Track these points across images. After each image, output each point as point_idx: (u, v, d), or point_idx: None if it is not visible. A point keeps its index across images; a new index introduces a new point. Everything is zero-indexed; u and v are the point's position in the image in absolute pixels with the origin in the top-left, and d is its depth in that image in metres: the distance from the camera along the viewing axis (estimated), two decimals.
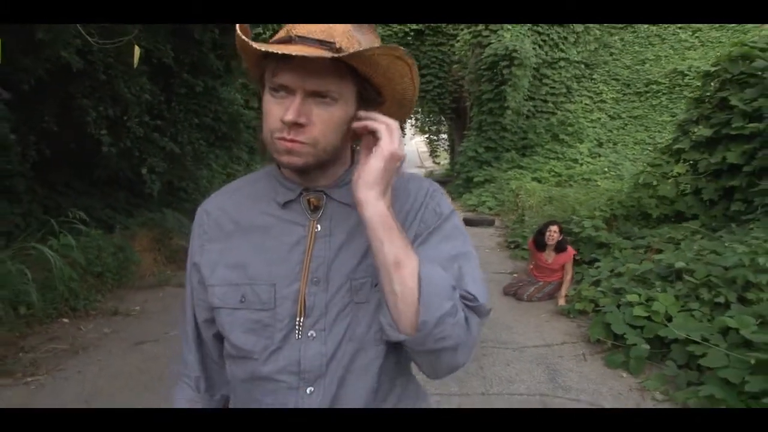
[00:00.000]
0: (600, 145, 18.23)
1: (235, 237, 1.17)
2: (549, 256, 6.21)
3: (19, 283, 5.10)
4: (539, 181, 15.36)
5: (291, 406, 1.11)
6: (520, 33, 17.77)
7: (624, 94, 19.87)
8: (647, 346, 4.25)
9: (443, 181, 22.02)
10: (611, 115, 19.37)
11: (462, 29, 18.91)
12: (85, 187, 8.00)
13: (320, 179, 1.14)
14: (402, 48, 1.02)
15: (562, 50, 19.00)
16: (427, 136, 32.74)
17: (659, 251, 5.82)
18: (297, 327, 1.10)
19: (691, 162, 7.00)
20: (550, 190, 12.86)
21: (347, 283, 1.12)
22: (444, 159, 32.17)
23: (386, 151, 1.01)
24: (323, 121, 1.03)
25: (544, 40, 18.64)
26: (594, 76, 19.98)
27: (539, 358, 4.58)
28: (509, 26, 17.48)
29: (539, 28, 18.33)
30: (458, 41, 19.07)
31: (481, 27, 17.80)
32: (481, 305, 1.05)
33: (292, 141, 1.03)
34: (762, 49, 6.48)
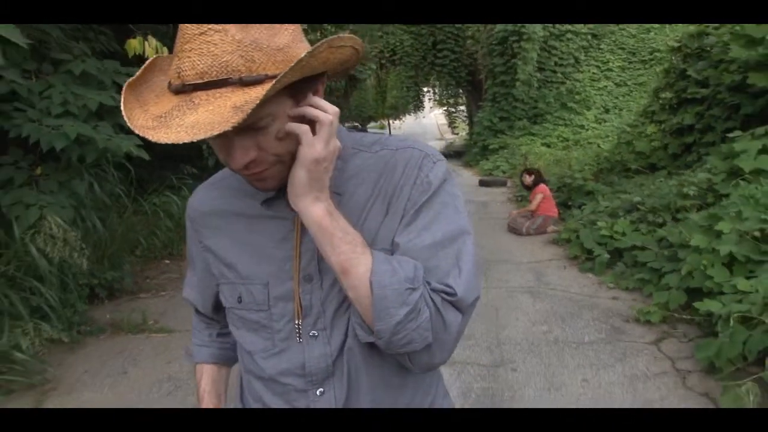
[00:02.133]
0: (606, 111, 19.54)
1: (224, 234, 1.14)
2: (533, 197, 8.17)
3: (137, 231, 6.89)
4: (548, 146, 16.88)
5: (301, 407, 1.08)
6: None
7: (630, 62, 20.96)
8: (608, 256, 5.95)
9: (461, 151, 23.60)
10: (617, 82, 20.54)
11: None
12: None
13: None
14: (336, 37, 0.92)
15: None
16: (445, 108, 34.06)
17: (628, 193, 7.47)
18: (297, 328, 1.06)
19: (660, 122, 8.58)
20: (557, 154, 14.44)
21: None
22: (463, 130, 33.55)
23: (306, 158, 0.93)
24: (271, 144, 0.94)
25: None
26: (601, 46, 21.08)
27: (531, 268, 6.30)
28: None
29: None
30: None
31: None
32: (460, 299, 0.97)
33: (254, 174, 0.97)
34: (715, 27, 8.00)
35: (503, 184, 13.71)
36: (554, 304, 5.12)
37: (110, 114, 4.25)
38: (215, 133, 0.80)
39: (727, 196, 5.17)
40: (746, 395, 3.03)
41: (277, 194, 1.06)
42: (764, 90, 6.10)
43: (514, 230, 8.05)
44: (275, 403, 1.11)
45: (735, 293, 3.82)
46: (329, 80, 1.06)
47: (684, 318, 4.34)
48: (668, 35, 20.58)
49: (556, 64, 19.89)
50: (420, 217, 1.01)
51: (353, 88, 23.89)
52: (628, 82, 20.44)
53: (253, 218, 1.10)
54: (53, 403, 3.60)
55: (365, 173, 1.07)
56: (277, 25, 0.90)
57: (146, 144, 3.95)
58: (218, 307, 1.27)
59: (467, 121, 29.40)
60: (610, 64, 20.81)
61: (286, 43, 0.91)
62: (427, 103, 34.78)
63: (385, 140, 1.12)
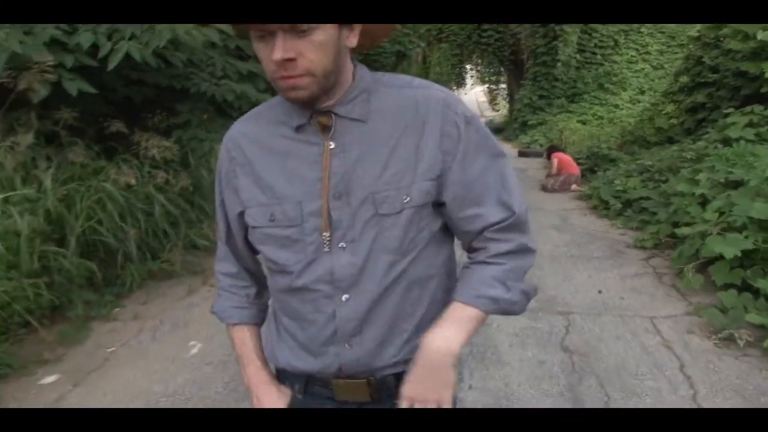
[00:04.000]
0: (642, 93, 20.55)
1: (260, 160, 1.24)
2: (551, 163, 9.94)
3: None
4: (584, 123, 18.14)
5: (329, 312, 1.21)
6: None
7: (668, 46, 21.72)
8: (620, 205, 7.46)
9: (501, 127, 24.91)
10: (654, 65, 21.41)
11: None
12: None
13: (327, 100, 1.16)
14: None
15: None
16: (487, 86, 35.21)
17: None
18: (325, 240, 1.17)
19: (678, 102, 9.94)
20: (591, 130, 15.78)
21: (369, 197, 1.16)
22: (504, 107, 34.70)
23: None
24: (310, 50, 1.05)
25: None
26: (641, 30, 21.92)
27: (558, 214, 7.87)
28: None
29: None
30: None
31: None
32: (518, 214, 1.20)
33: (290, 77, 1.07)
34: None
35: (540, 155, 15.11)
36: (574, 236, 6.67)
37: (253, 78, 5.88)
38: None
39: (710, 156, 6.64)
40: (692, 279, 4.57)
41: (308, 121, 1.17)
42: (756, 76, 7.48)
43: (544, 188, 9.66)
44: (305, 310, 1.23)
45: (704, 222, 5.30)
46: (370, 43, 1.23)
47: (668, 242, 5.85)
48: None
49: (596, 46, 20.85)
50: (461, 151, 1.16)
51: (400, 64, 25.28)
52: (665, 65, 21.26)
53: (287, 144, 1.20)
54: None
55: (390, 108, 1.17)
56: None
57: None
58: (252, 250, 1.36)
59: (507, 99, 30.58)
60: (649, 47, 21.62)
61: None
62: (469, 80, 35.92)
63: (409, 80, 1.23)
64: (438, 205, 1.21)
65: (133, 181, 4.42)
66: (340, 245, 1.17)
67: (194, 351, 4.07)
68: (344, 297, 1.20)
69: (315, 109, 1.17)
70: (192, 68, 5.47)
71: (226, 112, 6.06)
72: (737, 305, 4.09)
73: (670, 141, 10.01)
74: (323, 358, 1.25)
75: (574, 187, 9.54)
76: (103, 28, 4.39)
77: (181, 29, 4.35)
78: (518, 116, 20.75)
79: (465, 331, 1.16)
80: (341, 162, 1.16)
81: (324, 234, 1.17)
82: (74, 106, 4.62)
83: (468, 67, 31.97)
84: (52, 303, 4.28)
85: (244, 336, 1.41)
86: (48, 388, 3.58)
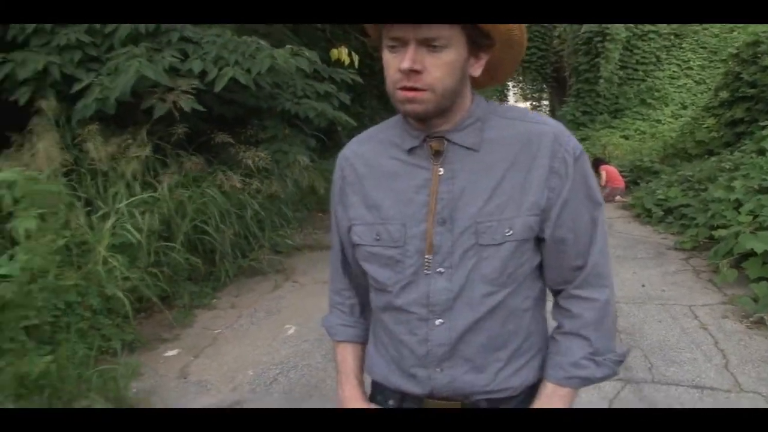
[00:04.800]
0: (684, 108, 20.69)
1: (370, 180, 1.29)
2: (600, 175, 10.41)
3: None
4: (626, 138, 18.51)
5: (422, 335, 1.24)
6: None
7: (710, 61, 21.71)
8: (662, 212, 7.98)
9: None
10: (697, 80, 21.47)
11: None
12: None
13: (441, 124, 1.20)
14: None
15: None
16: (530, 102, 35.65)
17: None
18: (425, 263, 1.20)
19: (718, 116, 10.41)
20: (633, 145, 16.21)
21: (472, 225, 1.18)
22: None
23: None
24: (437, 67, 1.09)
25: None
26: (683, 45, 21.94)
27: None
28: None
29: None
30: None
31: None
32: (595, 267, 1.25)
33: (411, 89, 1.11)
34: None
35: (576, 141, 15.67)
36: (619, 241, 7.22)
37: (329, 96, 6.62)
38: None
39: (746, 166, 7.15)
40: (727, 273, 5.11)
41: (420, 144, 1.22)
42: None
43: None
44: (399, 331, 1.27)
45: (738, 224, 5.81)
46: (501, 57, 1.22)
47: (706, 244, 6.36)
48: (751, 35, 21.75)
49: (637, 62, 21.03)
50: (566, 190, 1.18)
51: None
52: (707, 80, 21.33)
53: (397, 166, 1.25)
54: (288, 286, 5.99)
55: (502, 139, 1.21)
56: None
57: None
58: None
59: (550, 116, 30.97)
60: (691, 62, 21.66)
61: None
62: (511, 97, 36.40)
63: (523, 113, 1.27)
64: (539, 240, 1.23)
65: (239, 185, 5.15)
66: (438, 270, 1.20)
67: (291, 332, 4.76)
68: (438, 321, 1.22)
69: (428, 134, 1.20)
70: (277, 89, 6.23)
71: (302, 127, 6.83)
72: None
73: (710, 153, 10.45)
74: (416, 379, 1.28)
75: (618, 198, 10.05)
76: (211, 56, 5.17)
77: (281, 58, 5.10)
78: None
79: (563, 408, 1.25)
80: (448, 188, 1.19)
81: (426, 257, 1.20)
82: (182, 123, 5.41)
83: (510, 84, 32.45)
84: (165, 292, 5.03)
85: (346, 354, 1.46)
86: (173, 360, 4.31)
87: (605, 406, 3.30)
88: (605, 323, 1.26)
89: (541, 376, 1.29)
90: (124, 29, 5.28)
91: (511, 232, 1.17)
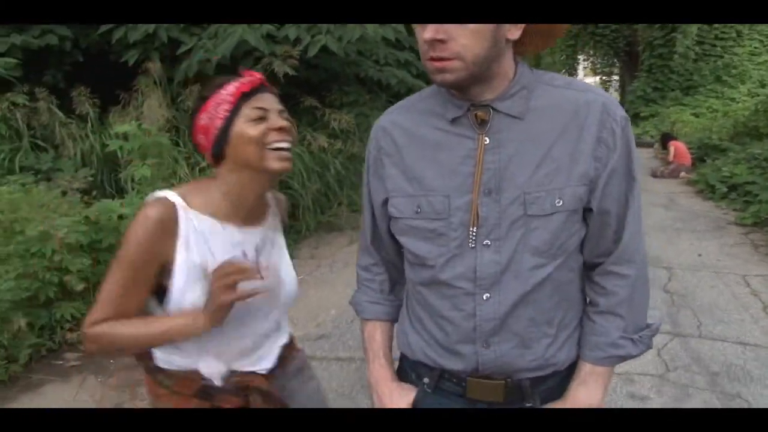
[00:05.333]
0: (762, 86, 20.00)
1: (410, 151, 1.25)
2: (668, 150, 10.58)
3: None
4: (697, 116, 18.19)
5: (468, 310, 1.21)
6: None
7: None
8: (726, 189, 8.13)
9: None
10: None
11: None
12: None
13: (485, 93, 1.16)
14: None
15: None
16: (600, 77, 35.08)
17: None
18: (471, 236, 1.17)
19: None
20: (704, 123, 16.00)
21: (520, 196, 1.15)
22: (616, 99, 34.36)
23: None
24: (462, 35, 1.06)
25: None
26: None
27: (666, 196, 8.66)
28: None
29: None
30: None
31: None
32: (629, 244, 1.23)
33: (439, 60, 1.08)
34: None
35: (650, 145, 15.55)
36: (680, 213, 7.47)
37: (408, 65, 7.03)
38: None
39: None
40: None
41: (464, 114, 1.18)
42: None
43: (653, 174, 10.38)
44: (442, 306, 1.24)
45: None
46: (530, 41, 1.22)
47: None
48: None
49: (716, 37, 20.35)
50: (612, 161, 1.17)
51: None
52: None
53: (440, 136, 1.21)
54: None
55: (549, 108, 1.18)
56: None
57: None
58: (396, 240, 1.34)
59: (620, 91, 30.47)
60: None
61: None
62: (581, 71, 35.85)
63: (569, 81, 1.23)
64: (586, 211, 1.21)
65: (325, 146, 5.65)
66: (484, 242, 1.17)
67: None
68: (485, 296, 1.19)
69: (473, 102, 1.17)
70: (360, 57, 6.68)
71: (378, 93, 7.28)
72: None
73: None
74: (459, 355, 1.25)
75: (683, 174, 10.15)
76: (305, 24, 5.66)
77: (369, 27, 5.54)
78: (630, 108, 20.87)
79: (603, 386, 1.26)
80: (495, 158, 1.16)
81: (471, 229, 1.17)
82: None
83: (581, 57, 32.01)
84: None
85: (374, 332, 1.44)
86: None
87: (654, 355, 3.67)
88: (636, 299, 1.26)
89: (578, 353, 1.29)
90: None
91: (561, 202, 1.15)
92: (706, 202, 8.21)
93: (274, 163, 1.33)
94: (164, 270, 1.33)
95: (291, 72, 5.43)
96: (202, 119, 1.34)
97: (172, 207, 1.31)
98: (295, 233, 6.32)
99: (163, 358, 1.43)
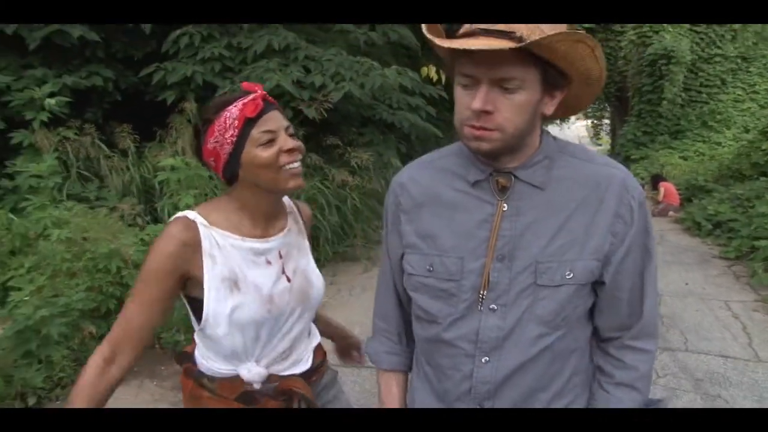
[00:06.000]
0: (746, 131, 20.51)
1: (427, 209, 1.26)
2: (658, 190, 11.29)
3: None
4: (685, 159, 18.94)
5: (466, 372, 1.22)
6: (679, 34, 20.95)
7: None
8: (711, 226, 8.75)
9: None
10: (762, 104, 21.28)
11: (628, 29, 22.42)
12: None
13: (509, 161, 1.18)
14: (582, 32, 1.02)
15: (719, 47, 21.55)
16: (591, 120, 36.04)
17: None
18: (480, 299, 1.18)
19: None
20: (692, 165, 16.74)
21: (532, 265, 1.16)
22: (606, 142, 35.36)
23: None
24: (508, 108, 1.08)
25: (701, 38, 21.36)
26: (750, 69, 21.79)
27: (655, 233, 9.13)
28: (670, 28, 20.82)
29: (698, 28, 21.02)
30: (624, 40, 22.61)
31: (645, 28, 21.21)
32: (647, 320, 1.26)
33: (480, 128, 1.10)
34: None
35: (641, 186, 16.28)
36: (669, 248, 8.04)
37: (418, 109, 7.65)
38: (494, 47, 1.00)
39: None
40: (763, 276, 5.91)
41: (486, 178, 1.20)
42: None
43: None
44: (444, 364, 1.26)
45: None
46: (576, 94, 1.20)
47: (748, 254, 7.14)
48: None
49: (701, 85, 21.14)
50: (630, 237, 1.18)
51: None
52: None
53: (458, 197, 1.23)
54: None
55: (569, 179, 1.20)
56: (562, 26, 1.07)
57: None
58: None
59: (610, 134, 31.30)
60: (757, 86, 21.58)
61: (560, 28, 1.05)
62: (572, 116, 36.79)
63: (591, 155, 1.26)
64: (596, 284, 1.22)
65: (350, 180, 6.22)
66: (491, 306, 1.18)
67: None
68: (484, 359, 1.19)
69: (496, 168, 1.19)
70: (375, 101, 7.30)
71: (389, 134, 7.90)
72: None
73: (764, 175, 11.05)
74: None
75: (671, 213, 10.79)
76: (330, 72, 6.28)
77: (391, 76, 6.17)
78: (621, 151, 21.61)
79: None
80: (511, 225, 1.17)
81: (481, 293, 1.18)
82: (300, 126, 6.53)
83: None
84: None
85: (390, 383, 1.45)
86: None
87: None
88: (651, 374, 1.28)
89: None
90: (259, 46, 6.43)
91: (571, 274, 1.16)
92: (693, 238, 8.82)
93: (289, 183, 1.37)
94: (193, 284, 1.39)
95: (317, 117, 6.03)
96: (210, 143, 1.36)
97: (193, 225, 1.36)
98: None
99: (206, 365, 1.48)
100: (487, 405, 1.23)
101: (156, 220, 5.81)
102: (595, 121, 35.51)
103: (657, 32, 20.86)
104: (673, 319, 5.16)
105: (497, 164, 1.19)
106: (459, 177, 1.24)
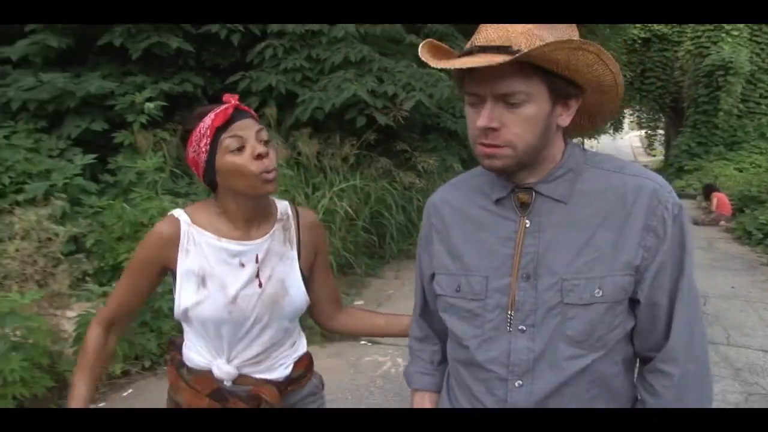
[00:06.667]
0: None
1: (456, 229, 1.26)
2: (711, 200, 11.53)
3: None
4: (740, 171, 18.82)
5: (500, 396, 1.17)
6: (738, 44, 20.82)
7: None
8: (761, 235, 9.03)
9: (657, 170, 25.62)
10: None
11: (685, 39, 22.40)
12: None
13: (528, 176, 1.16)
14: (577, 39, 1.01)
15: None
16: (645, 131, 35.75)
17: None
18: (508, 319, 1.15)
19: None
20: (747, 177, 16.73)
21: (557, 283, 1.12)
22: (660, 153, 35.09)
23: None
24: (516, 123, 1.06)
25: (762, 49, 21.24)
26: None
27: (706, 240, 9.59)
28: (729, 38, 20.76)
29: (758, 38, 20.99)
30: (681, 50, 22.60)
31: (703, 38, 21.22)
32: (678, 344, 1.15)
33: (490, 146, 1.09)
34: None
35: (693, 197, 16.33)
36: (717, 255, 8.40)
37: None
38: (482, 64, 0.98)
39: None
40: None
41: (507, 195, 1.19)
42: None
43: (695, 222, 11.30)
44: (477, 388, 1.21)
45: None
46: (591, 103, 1.17)
47: None
48: None
49: (760, 96, 21.08)
50: (662, 253, 1.12)
51: None
52: None
53: (483, 216, 1.22)
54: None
55: (595, 192, 1.16)
56: (563, 26, 1.08)
57: None
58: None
59: (664, 144, 31.09)
60: None
61: (564, 36, 1.04)
62: (626, 125, 36.60)
63: (621, 165, 1.20)
64: (633, 302, 1.16)
65: (416, 182, 6.78)
66: (520, 327, 1.15)
67: None
68: (518, 383, 1.15)
69: (516, 184, 1.17)
70: (440, 110, 7.85)
71: (451, 141, 8.45)
72: None
73: None
74: None
75: (722, 223, 11.06)
76: (402, 83, 6.86)
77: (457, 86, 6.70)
78: (674, 162, 21.55)
79: None
80: (534, 242, 1.15)
81: (509, 313, 1.15)
82: (372, 132, 7.14)
83: (627, 112, 32.81)
84: (348, 261, 6.67)
85: (422, 403, 1.44)
86: (363, 307, 5.92)
87: None
88: (689, 397, 1.16)
89: None
90: (337, 58, 7.06)
91: (600, 292, 1.11)
92: (742, 246, 9.13)
93: (260, 189, 1.41)
94: (174, 276, 1.49)
95: (393, 124, 6.61)
96: (190, 153, 1.44)
97: (177, 222, 1.47)
98: (379, 258, 7.40)
99: (186, 354, 1.54)
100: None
101: None
102: (649, 132, 35.19)
103: (715, 43, 20.82)
104: (717, 318, 5.56)
105: (517, 180, 1.18)
106: (484, 195, 1.24)
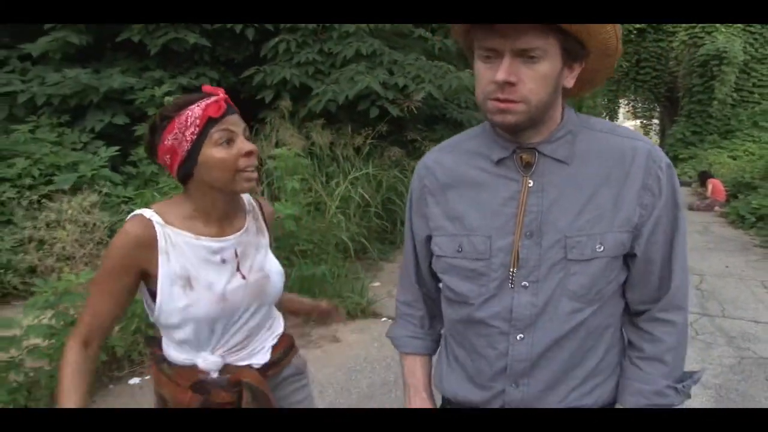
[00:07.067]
0: None
1: (453, 190, 1.26)
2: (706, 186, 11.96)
3: None
4: (734, 159, 19.13)
5: (502, 350, 1.21)
6: (732, 34, 21.04)
7: None
8: (754, 219, 9.39)
9: None
10: None
11: (680, 29, 22.67)
12: None
13: (533, 136, 1.18)
14: None
15: None
16: (640, 120, 36.06)
17: None
18: (510, 277, 1.18)
19: None
20: (740, 165, 17.09)
21: (561, 240, 1.16)
22: (655, 142, 35.40)
23: None
24: (532, 79, 1.08)
25: (756, 39, 21.48)
26: None
27: (702, 224, 9.95)
28: (723, 28, 21.04)
29: (752, 28, 21.18)
30: (676, 41, 22.88)
31: (697, 29, 21.44)
32: (677, 290, 1.23)
33: (504, 101, 1.09)
34: None
35: (688, 184, 16.71)
36: (712, 238, 8.76)
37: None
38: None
39: None
40: None
41: (509, 155, 1.20)
42: None
43: (690, 207, 11.70)
44: (478, 342, 1.25)
45: None
46: (594, 68, 1.19)
47: None
48: None
49: (754, 85, 21.38)
50: (658, 208, 1.18)
51: None
52: None
53: (483, 177, 1.23)
54: None
55: (594, 153, 1.19)
56: None
57: None
58: (436, 277, 1.37)
59: (659, 134, 31.42)
60: None
61: None
62: (622, 115, 36.90)
63: (612, 126, 1.25)
64: (628, 257, 1.22)
65: None
66: (522, 284, 1.18)
67: None
68: (519, 336, 1.19)
69: (519, 145, 1.19)
70: (446, 101, 8.18)
71: (457, 131, 8.81)
72: None
73: None
74: (488, 392, 1.27)
75: (716, 208, 11.43)
76: (411, 75, 7.18)
77: (465, 78, 7.04)
78: (669, 150, 21.68)
79: None
80: (538, 201, 1.17)
81: (511, 270, 1.18)
82: (383, 123, 7.46)
83: (622, 102, 33.09)
84: (364, 246, 7.00)
85: (414, 366, 1.45)
86: (377, 289, 6.24)
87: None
88: (682, 347, 1.25)
89: (614, 397, 1.28)
90: (349, 52, 7.38)
91: (602, 247, 1.16)
92: (736, 230, 9.51)
93: (242, 185, 1.39)
94: (151, 279, 1.40)
95: (406, 114, 6.93)
96: (168, 140, 1.35)
97: (149, 223, 1.37)
98: (390, 243, 7.73)
99: (167, 351, 1.51)
100: (523, 384, 1.23)
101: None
102: (644, 121, 35.50)
103: (709, 33, 21.05)
104: (713, 294, 5.93)
105: (520, 140, 1.19)
106: (482, 157, 1.24)
